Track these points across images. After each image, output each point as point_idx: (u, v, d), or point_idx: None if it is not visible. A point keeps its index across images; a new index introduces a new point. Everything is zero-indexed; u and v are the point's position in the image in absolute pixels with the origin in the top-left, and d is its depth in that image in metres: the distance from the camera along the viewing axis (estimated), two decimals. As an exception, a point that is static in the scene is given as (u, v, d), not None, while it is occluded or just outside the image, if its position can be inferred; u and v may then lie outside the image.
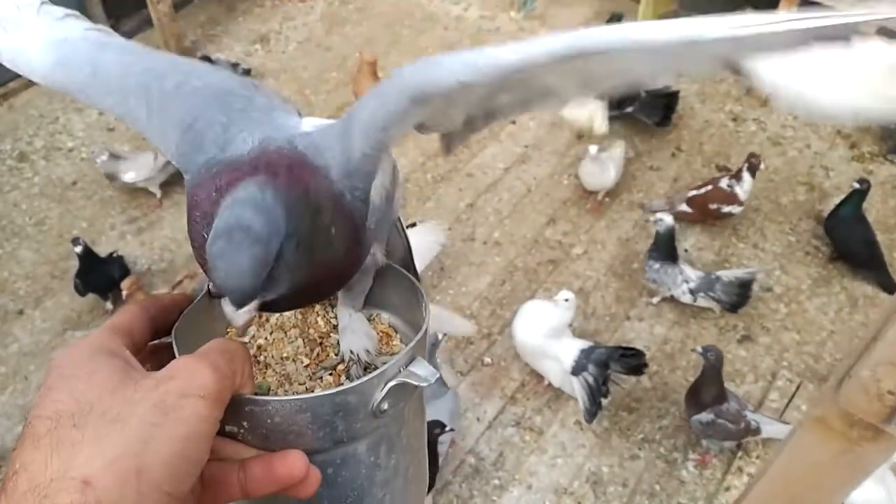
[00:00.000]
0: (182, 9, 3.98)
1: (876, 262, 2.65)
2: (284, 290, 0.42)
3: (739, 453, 2.22)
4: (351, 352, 0.54)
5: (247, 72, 3.53)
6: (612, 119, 3.06)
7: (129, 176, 2.86)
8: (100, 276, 2.52)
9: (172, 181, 2.96)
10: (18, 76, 0.55)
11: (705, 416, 2.08)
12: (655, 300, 2.60)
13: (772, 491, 1.02)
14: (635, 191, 3.04)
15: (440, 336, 2.36)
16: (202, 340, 0.45)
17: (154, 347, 0.49)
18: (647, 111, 3.17)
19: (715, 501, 2.14)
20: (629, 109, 3.15)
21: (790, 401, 2.34)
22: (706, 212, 2.77)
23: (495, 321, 2.58)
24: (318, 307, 0.58)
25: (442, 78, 0.41)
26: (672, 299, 2.55)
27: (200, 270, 0.46)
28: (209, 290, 0.51)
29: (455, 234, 2.86)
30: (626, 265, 2.75)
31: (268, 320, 0.57)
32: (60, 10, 0.56)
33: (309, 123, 0.49)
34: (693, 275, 2.47)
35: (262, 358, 0.54)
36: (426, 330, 0.51)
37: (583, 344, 2.21)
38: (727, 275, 2.48)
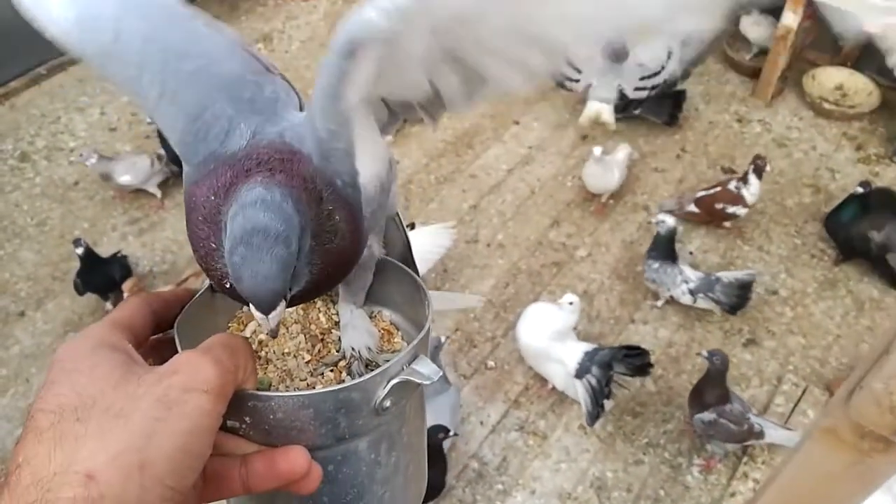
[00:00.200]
0: (184, 8, 3.98)
1: (881, 261, 2.62)
2: (304, 285, 0.43)
3: (745, 459, 2.20)
4: (352, 349, 0.54)
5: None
6: (617, 121, 3.05)
7: (124, 179, 2.84)
8: (100, 276, 2.51)
9: (172, 181, 2.95)
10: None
11: (707, 415, 2.06)
12: (660, 303, 2.59)
13: (780, 501, 1.01)
14: (639, 193, 3.02)
15: (443, 339, 2.36)
16: (204, 335, 0.45)
17: (156, 342, 0.49)
18: (654, 111, 3.16)
19: (720, 506, 2.13)
20: (636, 111, 3.14)
21: (796, 405, 2.32)
22: (712, 212, 2.76)
23: (499, 324, 2.57)
24: (319, 303, 0.58)
25: (355, 24, 0.41)
26: (676, 302, 2.54)
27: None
28: (211, 284, 0.51)
29: (458, 236, 2.84)
30: (630, 268, 2.74)
31: None
32: None
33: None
34: (693, 275, 2.47)
35: (263, 353, 0.54)
36: (429, 327, 0.51)
37: (587, 346, 2.20)
38: (727, 276, 2.47)
